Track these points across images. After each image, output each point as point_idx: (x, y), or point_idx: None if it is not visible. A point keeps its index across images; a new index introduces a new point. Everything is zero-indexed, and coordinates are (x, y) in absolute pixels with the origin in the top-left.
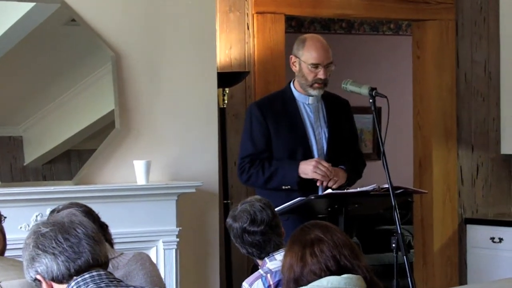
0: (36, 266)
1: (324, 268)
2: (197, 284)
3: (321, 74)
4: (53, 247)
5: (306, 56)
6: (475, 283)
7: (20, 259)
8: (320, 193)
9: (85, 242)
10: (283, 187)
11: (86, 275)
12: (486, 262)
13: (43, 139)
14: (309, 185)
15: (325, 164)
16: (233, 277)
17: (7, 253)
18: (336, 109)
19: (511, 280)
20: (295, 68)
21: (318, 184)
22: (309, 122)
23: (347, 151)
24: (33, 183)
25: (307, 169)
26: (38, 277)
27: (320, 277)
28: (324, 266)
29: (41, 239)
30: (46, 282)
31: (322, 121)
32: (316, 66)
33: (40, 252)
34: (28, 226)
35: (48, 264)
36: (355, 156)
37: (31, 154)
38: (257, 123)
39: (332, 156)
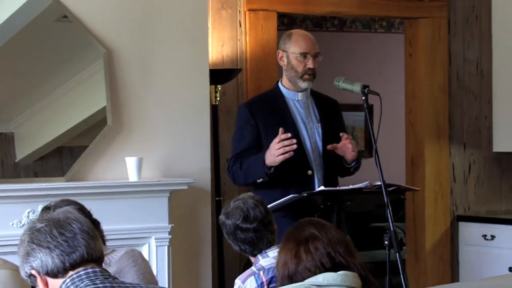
0: (31, 261)
1: (318, 265)
2: (189, 281)
3: (310, 64)
4: (48, 241)
5: (294, 47)
6: (467, 280)
7: (11, 255)
8: (316, 190)
9: (80, 237)
10: (258, 181)
11: (81, 272)
12: (478, 260)
13: (35, 135)
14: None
15: (277, 139)
16: (225, 274)
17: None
18: (326, 107)
19: (503, 277)
20: (283, 63)
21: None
22: (300, 118)
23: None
24: (25, 179)
25: (271, 156)
26: (33, 272)
27: (315, 274)
28: (318, 263)
29: (36, 234)
30: (41, 277)
31: (313, 117)
32: (305, 55)
33: (35, 246)
34: (20, 223)
35: (43, 258)
36: None
37: (23, 150)
38: (246, 123)
39: (328, 152)
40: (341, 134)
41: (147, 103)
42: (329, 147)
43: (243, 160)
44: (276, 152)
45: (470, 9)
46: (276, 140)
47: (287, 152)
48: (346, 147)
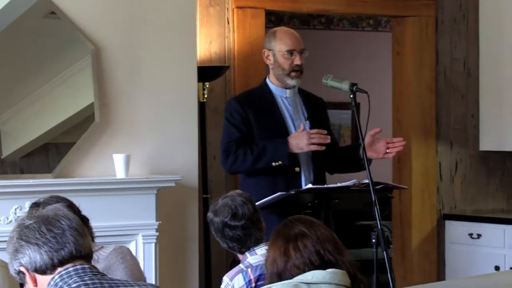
0: (19, 258)
1: (307, 263)
2: (176, 278)
3: (297, 60)
4: (37, 238)
5: (280, 45)
6: (453, 278)
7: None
8: (303, 187)
9: (69, 233)
10: (273, 163)
11: (70, 268)
12: (464, 258)
13: (21, 132)
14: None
15: (313, 131)
16: (212, 271)
17: None
18: (313, 104)
19: (489, 275)
20: (270, 61)
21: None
22: (289, 114)
23: (331, 146)
24: (11, 176)
25: (301, 143)
26: (22, 268)
27: (304, 271)
28: (307, 260)
29: (25, 231)
30: (30, 274)
31: (301, 114)
32: (291, 52)
33: (23, 243)
34: (7, 219)
35: (31, 254)
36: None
37: (9, 147)
38: (238, 114)
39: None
40: (395, 139)
41: (135, 100)
42: (375, 131)
43: (252, 144)
44: (311, 140)
45: (458, 8)
46: (311, 134)
47: (321, 144)
48: (383, 148)
